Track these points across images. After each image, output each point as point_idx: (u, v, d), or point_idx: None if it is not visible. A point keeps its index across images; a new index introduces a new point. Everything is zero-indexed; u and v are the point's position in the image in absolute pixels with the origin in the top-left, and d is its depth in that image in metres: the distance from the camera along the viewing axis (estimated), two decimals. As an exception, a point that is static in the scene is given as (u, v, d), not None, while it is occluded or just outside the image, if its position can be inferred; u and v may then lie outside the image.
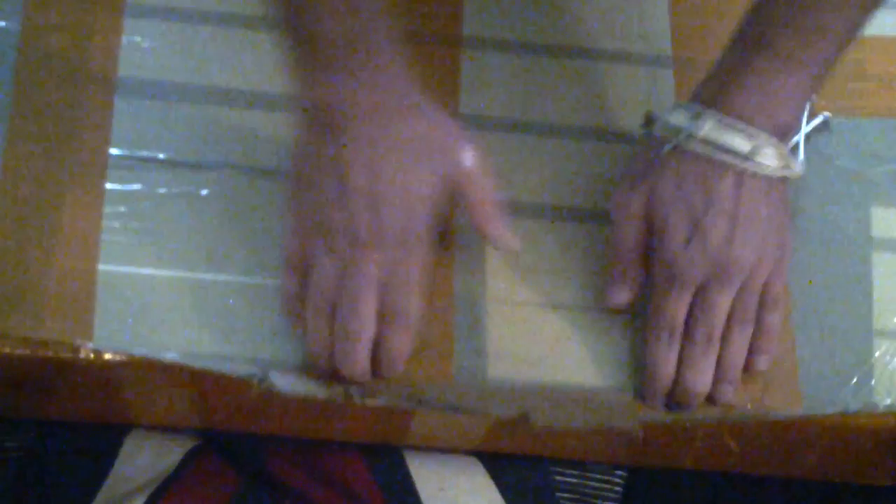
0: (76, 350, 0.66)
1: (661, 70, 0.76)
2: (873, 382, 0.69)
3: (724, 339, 0.67)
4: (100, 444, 0.73)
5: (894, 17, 0.76)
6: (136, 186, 0.70)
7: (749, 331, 0.67)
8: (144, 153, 0.70)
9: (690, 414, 0.68)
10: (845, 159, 0.74)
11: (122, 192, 0.69)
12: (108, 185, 0.69)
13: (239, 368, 0.66)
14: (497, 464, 0.75)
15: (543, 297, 0.70)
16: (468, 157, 0.65)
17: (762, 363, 0.68)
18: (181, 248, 0.69)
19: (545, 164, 0.73)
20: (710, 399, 0.68)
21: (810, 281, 0.71)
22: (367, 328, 0.64)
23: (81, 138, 0.70)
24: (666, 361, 0.67)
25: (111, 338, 0.66)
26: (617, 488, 0.76)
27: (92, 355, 0.66)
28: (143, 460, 0.73)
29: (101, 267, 0.68)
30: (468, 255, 0.70)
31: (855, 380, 0.69)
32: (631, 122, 0.74)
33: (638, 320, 0.69)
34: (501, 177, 0.71)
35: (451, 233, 0.70)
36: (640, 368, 0.68)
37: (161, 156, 0.71)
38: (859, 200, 0.73)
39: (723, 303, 0.65)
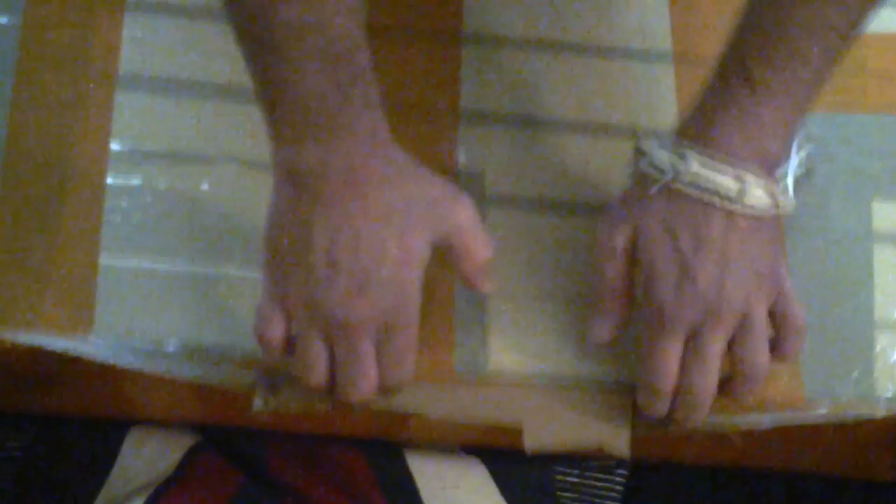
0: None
1: (660, 66, 0.76)
2: (875, 375, 0.69)
3: (734, 353, 0.64)
4: (100, 443, 0.74)
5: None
6: (137, 181, 0.70)
7: (764, 362, 0.64)
8: (145, 148, 0.71)
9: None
10: (846, 155, 0.74)
11: (123, 186, 0.70)
12: (109, 180, 0.70)
13: (238, 378, 0.67)
14: (498, 463, 0.75)
15: (544, 291, 0.70)
16: (464, 215, 0.63)
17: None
18: (181, 242, 0.69)
19: (546, 158, 0.73)
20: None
21: (812, 275, 0.71)
22: (368, 395, 0.62)
23: (83, 133, 0.70)
24: (657, 409, 0.65)
25: (111, 330, 0.66)
26: (618, 487, 0.76)
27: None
28: (143, 460, 0.73)
29: (103, 260, 0.68)
30: None
31: (856, 373, 0.69)
32: (631, 118, 0.74)
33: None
34: (502, 171, 0.72)
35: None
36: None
37: (162, 150, 0.71)
38: (860, 195, 0.73)
39: (717, 347, 0.63)
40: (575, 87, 0.75)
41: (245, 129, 0.71)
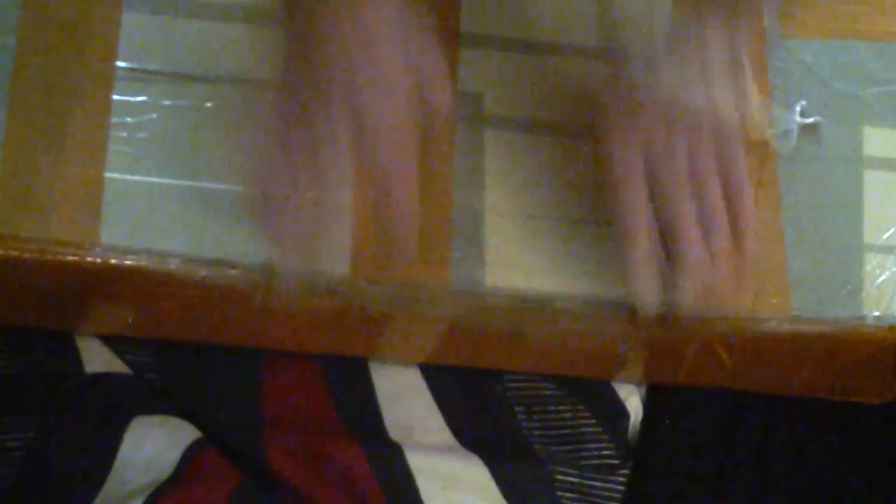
0: (82, 254, 0.67)
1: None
2: (862, 295, 0.70)
3: (699, 195, 0.65)
4: (99, 441, 0.74)
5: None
6: (142, 98, 0.71)
7: (718, 183, 0.66)
8: (150, 66, 0.71)
9: (686, 316, 0.68)
10: (839, 81, 0.75)
11: (129, 103, 0.70)
12: (115, 97, 0.71)
13: (243, 276, 0.68)
14: (499, 463, 0.76)
15: (542, 209, 0.71)
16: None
17: (750, 248, 0.67)
18: (185, 158, 0.70)
19: (543, 81, 0.74)
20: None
21: (803, 198, 0.72)
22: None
23: (89, 51, 0.71)
24: (638, 209, 0.65)
25: (117, 242, 0.68)
26: (619, 487, 0.77)
27: (98, 259, 0.67)
28: (143, 458, 0.73)
29: (108, 175, 0.69)
30: (466, 167, 0.71)
31: (844, 293, 0.70)
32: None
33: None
34: (501, 93, 0.73)
35: (450, 144, 0.71)
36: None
37: (167, 69, 0.72)
38: (852, 120, 0.74)
39: (680, 151, 0.65)
40: (575, 10, 0.76)
41: (249, 49, 0.72)
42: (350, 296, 0.69)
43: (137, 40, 0.72)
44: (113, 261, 0.67)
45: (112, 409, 0.75)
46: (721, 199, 0.65)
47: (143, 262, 0.68)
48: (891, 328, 0.70)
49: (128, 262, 0.68)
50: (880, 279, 0.71)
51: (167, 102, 0.71)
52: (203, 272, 0.68)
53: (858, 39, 0.76)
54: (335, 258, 0.66)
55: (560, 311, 0.70)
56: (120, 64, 0.71)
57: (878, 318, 0.70)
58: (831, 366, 0.73)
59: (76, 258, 0.67)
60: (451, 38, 0.74)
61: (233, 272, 0.68)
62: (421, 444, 0.76)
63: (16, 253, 0.67)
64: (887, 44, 0.76)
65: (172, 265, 0.68)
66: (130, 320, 0.74)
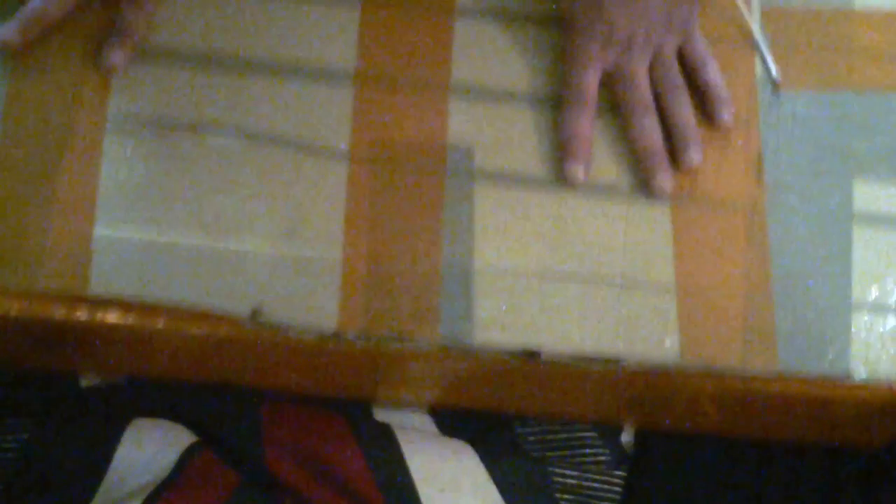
0: (72, 308, 0.67)
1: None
2: (850, 356, 0.70)
3: (664, 109, 0.72)
4: (96, 443, 0.74)
5: (884, -9, 0.77)
6: (132, 150, 0.70)
7: (685, 96, 0.72)
8: (141, 116, 0.71)
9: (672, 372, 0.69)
10: (829, 133, 0.75)
11: (119, 154, 0.70)
12: (105, 147, 0.70)
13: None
14: (497, 464, 0.76)
15: (531, 265, 0.71)
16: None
17: (725, 115, 0.73)
18: (175, 211, 0.70)
19: (536, 134, 0.74)
20: (679, 164, 0.72)
21: (791, 254, 0.72)
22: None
23: (78, 101, 0.71)
24: (581, 126, 0.72)
25: (106, 295, 0.68)
26: (616, 488, 0.77)
27: (85, 317, 0.67)
28: (140, 460, 0.73)
29: (98, 230, 0.69)
30: (456, 222, 0.71)
31: (832, 353, 0.70)
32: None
33: (628, 292, 0.71)
34: (491, 146, 0.73)
35: (440, 198, 0.71)
36: (629, 337, 0.70)
37: (157, 119, 0.71)
38: (842, 174, 0.74)
39: (640, 72, 0.71)
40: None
41: (242, 99, 0.72)
42: (337, 350, 0.69)
43: (128, 90, 0.71)
44: (100, 316, 0.67)
45: (110, 410, 0.75)
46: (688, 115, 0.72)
47: (131, 320, 0.68)
48: (877, 385, 0.70)
49: (114, 320, 0.68)
50: (867, 336, 0.71)
51: (158, 154, 0.70)
52: (193, 329, 0.68)
53: (851, 91, 0.75)
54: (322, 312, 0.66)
55: (549, 364, 0.70)
56: (110, 114, 0.71)
57: (865, 379, 0.70)
58: (818, 421, 0.74)
59: (63, 315, 0.67)
60: (442, 89, 0.73)
61: (225, 328, 0.68)
62: (418, 446, 0.77)
63: (1, 311, 0.67)
64: (881, 95, 0.75)
65: (160, 324, 0.68)
66: (121, 368, 0.75)
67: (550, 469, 0.76)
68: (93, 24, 0.72)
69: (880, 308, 0.71)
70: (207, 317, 0.68)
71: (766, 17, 0.76)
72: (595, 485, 0.77)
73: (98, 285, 0.68)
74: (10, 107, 0.70)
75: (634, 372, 0.70)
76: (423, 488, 0.75)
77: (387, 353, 0.69)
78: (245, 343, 0.69)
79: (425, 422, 0.79)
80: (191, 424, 0.75)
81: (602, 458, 0.78)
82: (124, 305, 0.68)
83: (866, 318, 0.71)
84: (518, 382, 0.73)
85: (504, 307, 0.70)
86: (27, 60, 0.71)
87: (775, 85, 0.75)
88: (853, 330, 0.71)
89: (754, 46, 0.75)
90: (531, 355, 0.69)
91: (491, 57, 0.74)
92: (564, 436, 0.78)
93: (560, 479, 0.76)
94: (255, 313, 0.68)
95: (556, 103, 0.74)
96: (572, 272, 0.71)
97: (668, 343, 0.70)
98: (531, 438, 0.79)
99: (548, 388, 0.73)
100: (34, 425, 0.74)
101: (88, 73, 0.71)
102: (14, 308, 0.67)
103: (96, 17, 0.72)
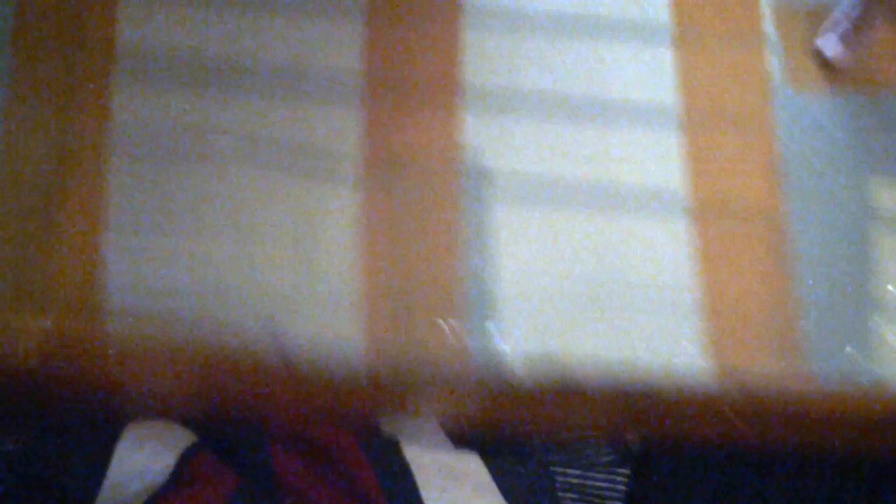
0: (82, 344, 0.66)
1: (659, 40, 0.75)
2: (869, 355, 0.70)
3: None
4: (95, 446, 0.73)
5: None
6: (139, 179, 0.68)
7: None
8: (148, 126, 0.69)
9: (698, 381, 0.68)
10: (845, 130, 0.74)
11: (125, 180, 0.68)
12: (110, 176, 0.68)
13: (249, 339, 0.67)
14: (499, 464, 0.76)
15: (554, 279, 0.70)
16: None
17: None
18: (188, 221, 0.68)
19: (557, 148, 0.72)
20: None
21: (810, 255, 0.72)
22: None
23: (80, 127, 0.69)
24: None
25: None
26: (620, 487, 0.77)
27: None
28: (140, 462, 0.72)
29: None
30: (474, 239, 0.70)
31: (858, 357, 0.70)
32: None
33: (651, 303, 0.70)
34: (518, 160, 0.72)
35: (457, 214, 0.70)
36: (654, 348, 0.69)
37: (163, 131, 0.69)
38: (860, 175, 0.73)
39: None
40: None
41: (246, 113, 0.70)
42: (359, 369, 0.68)
43: (130, 103, 0.69)
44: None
45: (107, 412, 0.74)
46: None
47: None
48: (899, 389, 0.70)
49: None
50: (889, 336, 0.71)
51: (165, 184, 0.69)
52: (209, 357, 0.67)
53: (867, 91, 0.75)
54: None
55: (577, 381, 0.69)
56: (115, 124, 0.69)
57: (883, 379, 0.70)
58: (846, 427, 0.73)
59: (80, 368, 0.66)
60: (455, 103, 0.72)
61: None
62: (419, 443, 0.76)
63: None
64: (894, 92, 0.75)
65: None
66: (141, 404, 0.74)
67: (553, 468, 0.76)
68: (93, 37, 0.70)
69: (902, 307, 0.71)
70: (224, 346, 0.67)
71: (778, 16, 0.75)
72: (599, 483, 0.76)
73: (113, 299, 0.66)
74: (10, 123, 0.68)
75: (659, 383, 0.69)
76: (426, 486, 0.74)
77: (407, 378, 0.68)
78: (267, 373, 0.68)
79: (434, 429, 0.78)
80: (189, 424, 0.74)
81: (606, 457, 0.77)
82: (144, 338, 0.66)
83: (887, 316, 0.71)
84: (540, 403, 0.72)
85: (527, 322, 0.69)
86: (25, 75, 0.69)
87: (789, 86, 0.74)
88: (872, 329, 0.70)
89: (767, 47, 0.74)
90: (562, 376, 0.68)
91: (504, 68, 0.73)
92: (567, 435, 0.77)
93: (563, 479, 0.76)
94: (285, 361, 0.66)
95: (572, 114, 0.72)
96: (594, 284, 0.70)
97: (692, 353, 0.69)
98: (534, 438, 0.78)
99: (568, 407, 0.73)
100: (31, 431, 0.74)
101: (88, 89, 0.69)
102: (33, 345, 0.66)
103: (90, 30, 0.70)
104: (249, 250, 0.68)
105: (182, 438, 0.74)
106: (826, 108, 0.74)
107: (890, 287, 0.71)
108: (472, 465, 0.76)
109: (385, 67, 0.72)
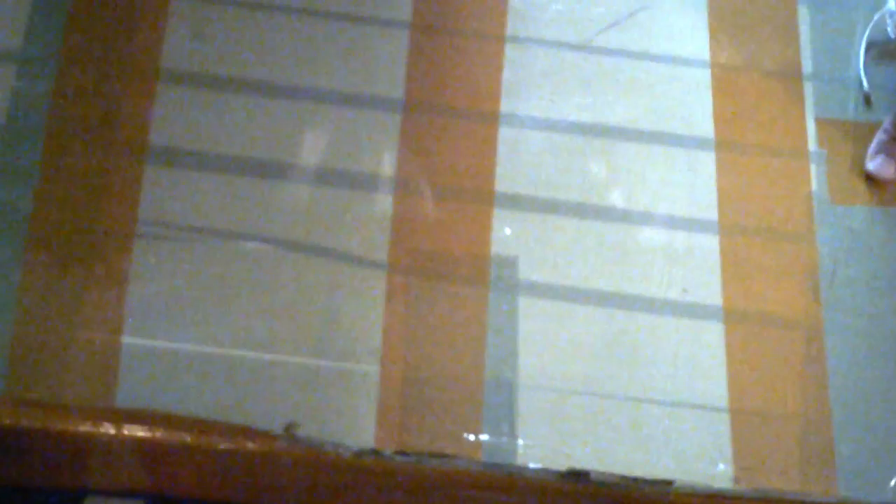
0: (97, 423, 0.65)
1: (701, 149, 0.75)
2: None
3: None
4: None
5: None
6: (161, 260, 0.69)
7: None
8: (170, 223, 0.69)
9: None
10: (887, 246, 0.72)
11: (147, 263, 0.68)
12: (134, 257, 0.68)
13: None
14: None
15: (578, 381, 0.68)
16: None
17: None
18: (204, 324, 0.68)
19: (581, 246, 0.72)
20: None
21: (853, 377, 0.70)
22: None
23: (107, 207, 0.69)
24: None
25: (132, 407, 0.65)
26: None
27: (112, 429, 0.65)
28: None
29: (125, 339, 0.67)
30: (499, 335, 0.69)
31: (894, 481, 0.67)
32: (672, 208, 0.73)
33: (679, 410, 0.68)
34: (536, 258, 0.71)
35: (483, 311, 0.69)
36: (680, 458, 0.67)
37: (188, 226, 0.69)
38: (900, 290, 0.72)
39: None
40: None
41: (273, 207, 0.70)
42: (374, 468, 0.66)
43: (158, 197, 0.70)
44: (126, 431, 0.65)
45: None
46: None
47: (158, 433, 0.65)
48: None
49: (141, 434, 0.65)
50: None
51: (187, 261, 0.68)
52: (221, 444, 0.65)
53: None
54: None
55: (596, 485, 0.67)
56: (140, 219, 0.69)
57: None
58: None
59: (88, 429, 0.65)
60: (485, 199, 0.71)
61: (251, 444, 0.65)
62: None
63: (26, 423, 0.64)
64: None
65: (188, 437, 0.65)
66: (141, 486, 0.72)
67: None
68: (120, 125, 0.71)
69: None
70: (237, 431, 0.65)
71: (821, 129, 0.74)
72: None
73: (125, 396, 0.66)
74: (39, 209, 0.69)
75: (686, 495, 0.66)
76: None
77: (425, 473, 0.66)
78: (276, 459, 0.66)
79: None
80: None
81: None
82: (152, 419, 0.65)
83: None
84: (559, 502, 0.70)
85: (548, 424, 0.67)
86: (55, 162, 0.70)
87: (832, 199, 0.72)
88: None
89: (810, 160, 0.73)
90: (579, 475, 0.66)
91: (535, 166, 0.73)
92: None
93: None
94: (289, 427, 0.65)
95: (600, 215, 0.72)
96: (620, 388, 0.68)
97: (721, 466, 0.67)
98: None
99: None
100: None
101: (115, 177, 0.70)
102: (38, 420, 0.65)
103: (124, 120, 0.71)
104: (268, 349, 0.67)
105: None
106: (868, 223, 0.72)
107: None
108: None
109: (418, 165, 0.72)
